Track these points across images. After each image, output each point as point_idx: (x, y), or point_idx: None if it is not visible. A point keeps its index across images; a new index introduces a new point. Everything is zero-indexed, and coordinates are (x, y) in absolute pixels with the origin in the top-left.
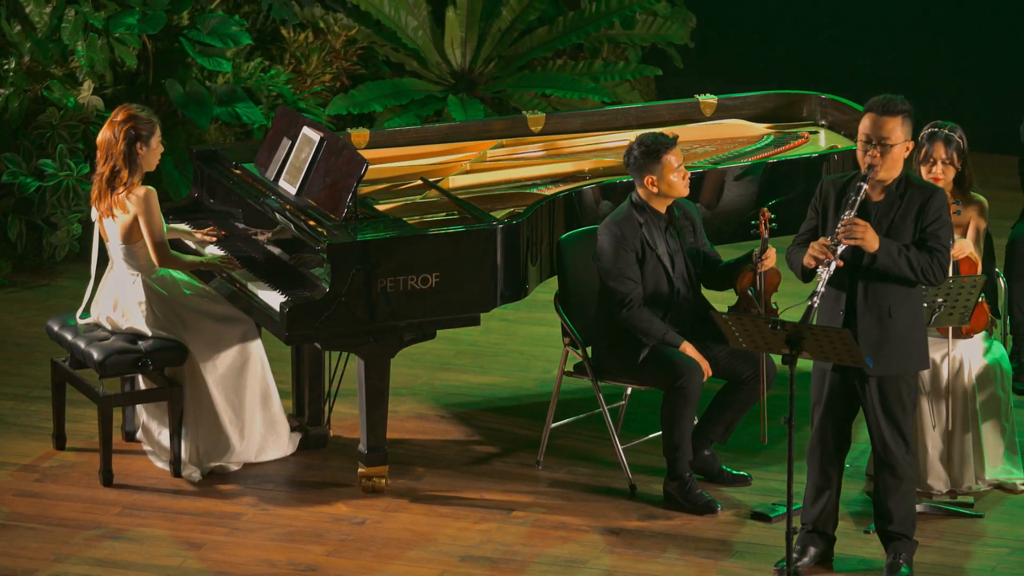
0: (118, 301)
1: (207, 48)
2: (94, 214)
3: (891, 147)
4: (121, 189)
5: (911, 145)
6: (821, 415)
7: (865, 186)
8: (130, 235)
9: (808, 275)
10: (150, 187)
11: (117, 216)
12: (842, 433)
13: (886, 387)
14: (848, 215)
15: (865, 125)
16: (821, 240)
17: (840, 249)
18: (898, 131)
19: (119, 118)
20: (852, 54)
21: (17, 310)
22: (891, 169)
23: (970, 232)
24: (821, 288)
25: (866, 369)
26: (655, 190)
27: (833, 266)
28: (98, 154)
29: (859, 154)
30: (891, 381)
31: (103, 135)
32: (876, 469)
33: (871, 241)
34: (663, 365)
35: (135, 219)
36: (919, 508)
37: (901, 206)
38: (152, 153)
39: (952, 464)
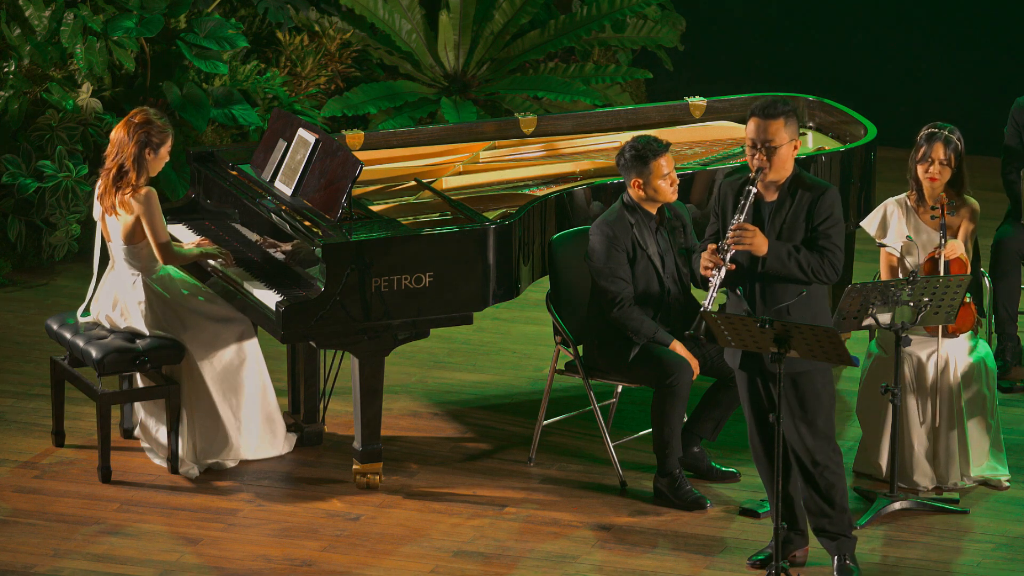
0: (117, 300)
1: (204, 51)
2: (97, 211)
3: (776, 149)
4: (127, 189)
5: (799, 144)
6: (756, 422)
7: (754, 190)
8: (132, 235)
9: (706, 282)
10: (151, 188)
11: (120, 215)
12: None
13: (801, 384)
14: (737, 219)
15: (749, 129)
16: (710, 247)
17: (730, 254)
18: (782, 132)
19: (136, 120)
20: (839, 57)
21: (17, 309)
22: (781, 169)
23: (960, 234)
24: (713, 294)
25: (768, 366)
26: (642, 193)
27: (723, 271)
28: (108, 149)
29: (748, 158)
30: (804, 377)
31: (117, 133)
32: (800, 471)
33: (760, 246)
34: (653, 363)
35: (137, 220)
36: (905, 505)
37: (793, 205)
38: (159, 160)
39: (938, 461)
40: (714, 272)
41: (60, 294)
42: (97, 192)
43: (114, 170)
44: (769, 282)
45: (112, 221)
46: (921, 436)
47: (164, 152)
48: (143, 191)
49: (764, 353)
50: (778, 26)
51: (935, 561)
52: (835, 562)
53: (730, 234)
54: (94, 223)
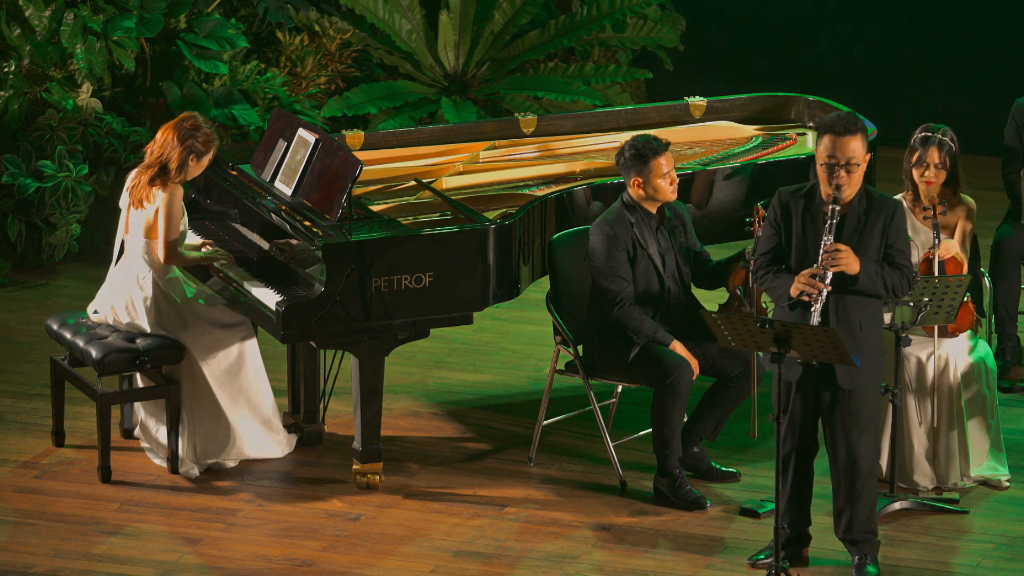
0: (124, 292)
1: (204, 51)
2: (123, 200)
3: (858, 166)
4: (158, 183)
5: (868, 157)
6: (788, 425)
7: (838, 208)
8: (151, 230)
9: (795, 302)
10: (179, 186)
11: (145, 208)
12: (812, 439)
13: (861, 396)
14: (827, 241)
15: (827, 146)
16: (805, 271)
17: (829, 277)
18: (860, 149)
19: (187, 125)
20: (839, 57)
21: (17, 309)
22: (855, 185)
23: (957, 233)
24: (817, 319)
25: (842, 382)
26: (642, 192)
27: (824, 294)
28: (151, 146)
29: (821, 174)
30: (860, 390)
31: (165, 134)
32: (839, 481)
33: (853, 265)
34: (653, 363)
35: (157, 213)
36: (905, 505)
37: (867, 222)
38: (199, 167)
39: (938, 461)
40: (815, 296)
41: (60, 294)
42: (128, 184)
43: (155, 169)
44: (843, 296)
45: (136, 214)
46: (921, 436)
47: (206, 160)
48: (171, 186)
49: (764, 352)
50: (778, 26)
51: (935, 561)
52: (855, 560)
53: (823, 255)
54: (94, 223)
